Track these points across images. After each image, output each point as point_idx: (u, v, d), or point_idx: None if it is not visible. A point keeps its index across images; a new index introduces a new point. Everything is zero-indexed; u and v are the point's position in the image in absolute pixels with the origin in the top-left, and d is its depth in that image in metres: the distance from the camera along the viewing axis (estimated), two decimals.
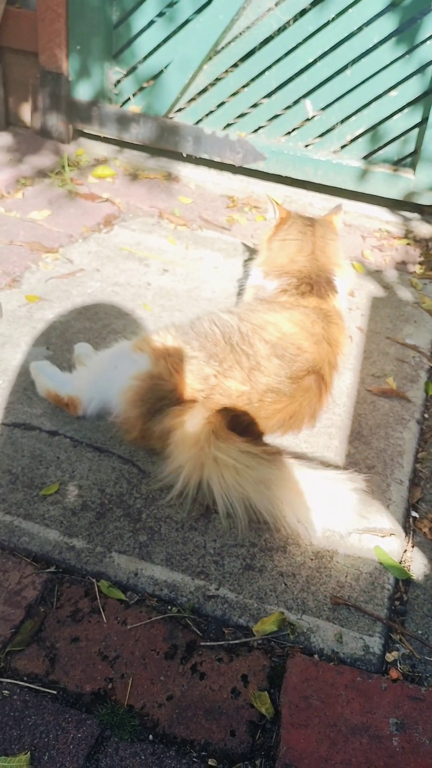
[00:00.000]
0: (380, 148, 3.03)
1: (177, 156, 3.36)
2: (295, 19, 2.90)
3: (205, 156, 3.24)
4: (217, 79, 3.13)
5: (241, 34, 3.00)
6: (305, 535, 1.58)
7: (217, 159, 3.22)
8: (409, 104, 2.90)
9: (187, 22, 3.00)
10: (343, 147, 3.08)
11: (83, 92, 3.29)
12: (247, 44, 2.99)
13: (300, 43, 2.91)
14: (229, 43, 3.03)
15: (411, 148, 2.99)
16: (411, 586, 1.54)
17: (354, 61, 2.89)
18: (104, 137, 3.42)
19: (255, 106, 3.13)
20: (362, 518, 1.63)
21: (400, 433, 1.96)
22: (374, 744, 1.22)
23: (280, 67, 2.98)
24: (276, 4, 2.89)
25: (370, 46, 2.84)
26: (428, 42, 2.75)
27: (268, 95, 3.07)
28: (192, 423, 1.62)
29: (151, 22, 3.07)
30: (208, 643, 1.37)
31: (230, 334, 1.78)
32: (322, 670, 1.33)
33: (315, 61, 2.93)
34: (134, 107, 3.27)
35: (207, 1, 2.93)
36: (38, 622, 1.37)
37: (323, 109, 3.03)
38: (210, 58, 3.08)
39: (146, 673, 1.31)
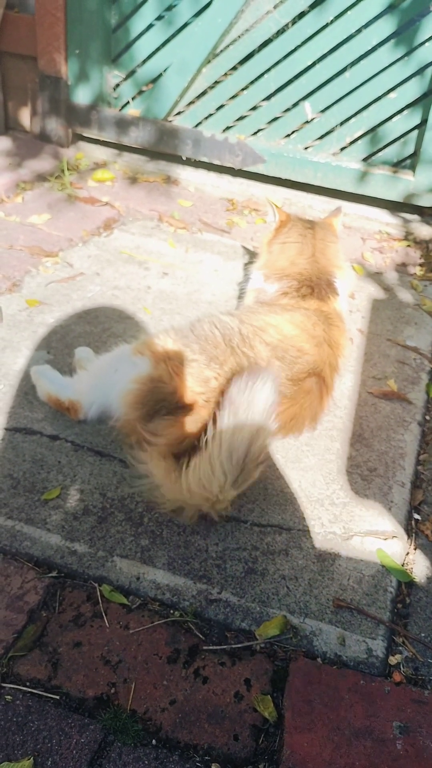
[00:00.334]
0: (380, 150, 3.03)
1: (176, 159, 3.36)
2: (294, 21, 2.90)
3: (205, 159, 3.24)
4: (216, 82, 3.13)
5: (239, 37, 3.01)
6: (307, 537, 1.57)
7: (216, 162, 3.22)
8: (408, 106, 2.90)
9: (185, 25, 3.01)
10: (342, 149, 3.08)
11: (82, 96, 3.29)
12: (246, 47, 3.00)
13: (299, 46, 2.91)
14: (228, 46, 3.03)
15: (410, 149, 2.99)
16: (414, 588, 1.54)
17: (353, 64, 2.89)
18: (103, 141, 3.43)
19: (254, 108, 3.13)
20: (364, 521, 1.63)
21: (401, 436, 1.95)
22: (378, 748, 1.22)
23: (279, 70, 2.99)
24: (275, 7, 2.89)
25: (369, 48, 2.84)
26: (427, 44, 2.75)
27: (268, 98, 3.08)
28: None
29: (150, 26, 3.07)
30: (211, 647, 1.37)
31: (231, 337, 1.78)
32: (325, 673, 1.32)
33: (314, 64, 2.93)
34: (133, 111, 3.27)
35: (206, 4, 2.93)
36: (40, 627, 1.37)
37: (322, 111, 3.03)
38: (209, 62, 3.08)
39: (149, 677, 1.30)
